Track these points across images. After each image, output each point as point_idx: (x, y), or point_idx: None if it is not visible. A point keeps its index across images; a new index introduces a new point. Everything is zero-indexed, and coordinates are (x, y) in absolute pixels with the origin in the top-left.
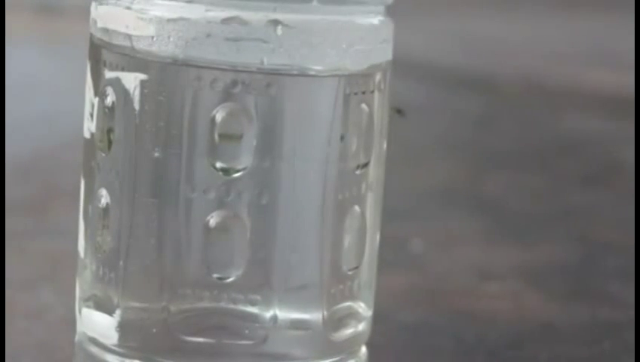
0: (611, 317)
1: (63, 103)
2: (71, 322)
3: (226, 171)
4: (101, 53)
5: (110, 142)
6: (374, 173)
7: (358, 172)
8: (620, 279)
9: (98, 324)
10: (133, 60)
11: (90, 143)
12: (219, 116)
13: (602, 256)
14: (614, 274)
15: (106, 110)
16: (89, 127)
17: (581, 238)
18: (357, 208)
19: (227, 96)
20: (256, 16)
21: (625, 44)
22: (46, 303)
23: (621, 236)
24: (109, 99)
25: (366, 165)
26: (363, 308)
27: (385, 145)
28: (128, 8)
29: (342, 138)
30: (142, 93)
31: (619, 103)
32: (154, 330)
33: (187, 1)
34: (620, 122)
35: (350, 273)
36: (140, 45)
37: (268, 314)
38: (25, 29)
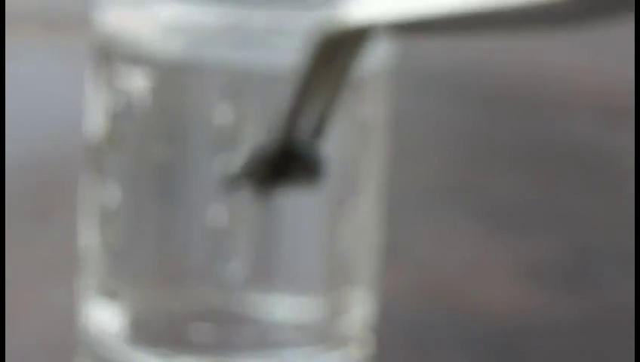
0: (613, 316)
1: (66, 103)
2: (75, 318)
3: (229, 171)
4: (108, 55)
5: (115, 143)
6: (375, 172)
7: (360, 170)
8: (623, 280)
9: (104, 318)
10: (139, 62)
11: (95, 144)
12: (222, 117)
13: (605, 256)
14: (617, 275)
15: (113, 111)
16: (94, 127)
17: (584, 240)
18: (358, 207)
19: (230, 97)
20: (259, 20)
21: (625, 44)
22: (50, 301)
23: (621, 234)
24: (114, 101)
25: (367, 165)
26: (364, 305)
27: (386, 146)
28: (133, 11)
29: (342, 138)
30: (146, 95)
31: (619, 104)
32: (159, 326)
33: (191, 4)
34: (621, 122)
35: (351, 267)
36: (147, 47)
37: (270, 307)
38: (27, 32)
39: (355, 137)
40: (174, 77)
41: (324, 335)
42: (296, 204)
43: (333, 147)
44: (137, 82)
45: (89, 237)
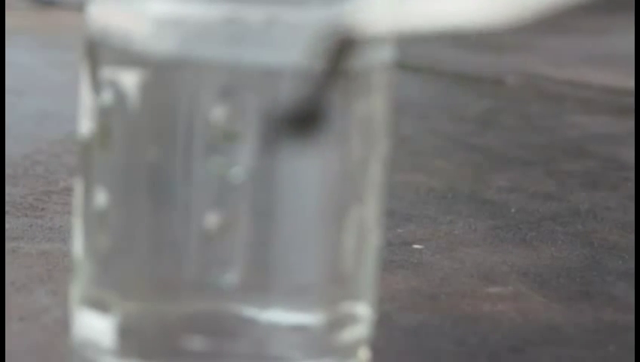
0: (615, 319)
1: (60, 101)
2: (67, 324)
3: (225, 171)
4: (98, 52)
5: (107, 142)
6: (375, 173)
7: (358, 172)
8: (624, 281)
9: (94, 327)
10: (130, 59)
11: (87, 142)
12: (217, 115)
13: (606, 257)
14: (618, 276)
15: (103, 109)
16: (86, 125)
17: (585, 240)
18: (357, 208)
19: (225, 95)
20: (255, 15)
21: (625, 44)
22: (42, 305)
23: (625, 238)
24: (107, 98)
25: (367, 165)
26: (363, 310)
27: (386, 145)
28: (126, 6)
29: (342, 137)
30: (139, 92)
31: (621, 103)
32: (151, 332)
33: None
34: (622, 122)
35: (350, 274)
36: (138, 43)
37: (267, 316)
38: (21, 26)
39: (359, 139)
40: (167, 74)
41: (321, 347)
42: (296, 208)
43: (337, 153)
44: (128, 80)
45: (77, 243)
